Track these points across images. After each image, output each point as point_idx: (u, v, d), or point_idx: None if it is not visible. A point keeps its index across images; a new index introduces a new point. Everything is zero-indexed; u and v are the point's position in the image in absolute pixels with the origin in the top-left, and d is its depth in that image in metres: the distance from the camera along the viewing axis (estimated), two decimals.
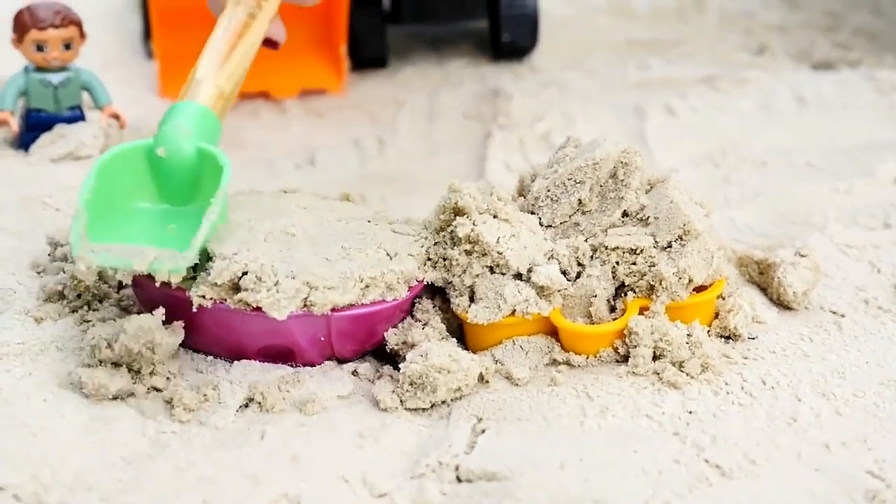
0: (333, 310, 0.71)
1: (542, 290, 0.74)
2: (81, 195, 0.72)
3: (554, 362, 0.75)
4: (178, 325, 0.72)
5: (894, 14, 1.51)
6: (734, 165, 1.06)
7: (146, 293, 0.74)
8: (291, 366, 0.74)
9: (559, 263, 0.75)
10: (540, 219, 0.78)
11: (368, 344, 0.75)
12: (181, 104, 0.76)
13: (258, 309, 0.70)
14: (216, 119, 0.77)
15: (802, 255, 0.82)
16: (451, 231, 0.75)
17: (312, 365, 0.74)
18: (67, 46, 0.99)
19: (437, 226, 0.76)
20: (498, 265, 0.75)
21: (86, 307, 0.77)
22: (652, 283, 0.75)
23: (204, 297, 0.71)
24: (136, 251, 0.71)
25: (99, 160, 0.74)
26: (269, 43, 0.83)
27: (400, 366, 0.72)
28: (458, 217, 0.75)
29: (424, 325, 0.76)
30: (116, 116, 1.03)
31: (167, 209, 0.76)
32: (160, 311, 0.71)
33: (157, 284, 0.70)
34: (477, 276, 0.75)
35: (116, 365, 0.71)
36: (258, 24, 0.81)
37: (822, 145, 1.09)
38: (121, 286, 0.79)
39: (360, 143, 1.14)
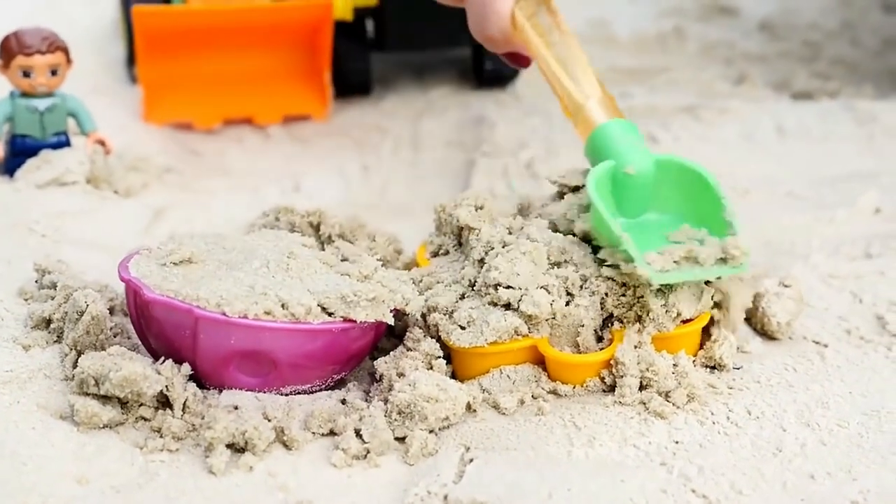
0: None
1: (529, 319, 0.75)
2: (608, 222, 0.73)
3: (541, 391, 0.75)
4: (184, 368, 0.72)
5: (871, 45, 1.53)
6: None
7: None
8: (281, 394, 0.74)
9: (548, 293, 0.76)
10: None
11: None
12: (608, 125, 0.78)
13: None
14: (633, 125, 0.79)
15: (786, 286, 0.83)
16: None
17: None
18: (54, 72, 0.99)
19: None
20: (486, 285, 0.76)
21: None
22: (640, 314, 0.75)
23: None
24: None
25: (590, 184, 0.75)
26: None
27: (388, 395, 0.73)
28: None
29: (413, 352, 0.76)
30: (102, 143, 1.03)
31: (632, 222, 0.78)
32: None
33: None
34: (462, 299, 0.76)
35: (106, 398, 0.71)
36: (566, 35, 0.82)
37: (804, 175, 1.10)
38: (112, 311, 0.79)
39: (345, 170, 1.14)
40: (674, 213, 0.78)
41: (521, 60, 0.85)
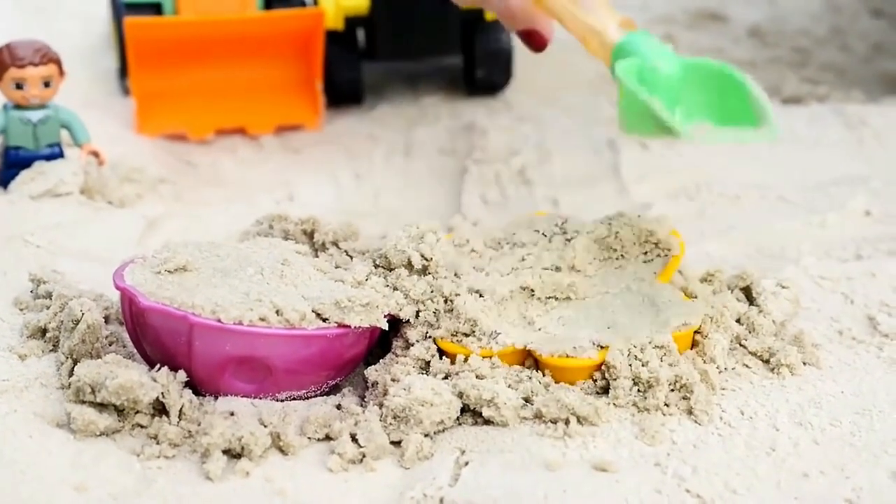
0: None
1: None
2: (635, 91, 0.73)
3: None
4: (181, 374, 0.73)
5: (860, 50, 1.54)
6: (708, 199, 1.07)
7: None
8: (277, 399, 0.74)
9: None
10: None
11: None
12: (632, 34, 0.78)
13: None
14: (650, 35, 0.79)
15: (784, 287, 0.83)
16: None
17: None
18: (47, 84, 1.00)
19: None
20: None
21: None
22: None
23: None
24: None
25: (619, 68, 0.74)
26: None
27: (383, 399, 0.73)
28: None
29: (403, 358, 0.76)
30: (96, 154, 1.03)
31: None
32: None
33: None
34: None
35: (102, 406, 0.71)
36: None
37: (794, 179, 1.11)
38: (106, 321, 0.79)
39: (337, 178, 1.15)
40: (699, 117, 0.77)
41: (536, 40, 0.85)
